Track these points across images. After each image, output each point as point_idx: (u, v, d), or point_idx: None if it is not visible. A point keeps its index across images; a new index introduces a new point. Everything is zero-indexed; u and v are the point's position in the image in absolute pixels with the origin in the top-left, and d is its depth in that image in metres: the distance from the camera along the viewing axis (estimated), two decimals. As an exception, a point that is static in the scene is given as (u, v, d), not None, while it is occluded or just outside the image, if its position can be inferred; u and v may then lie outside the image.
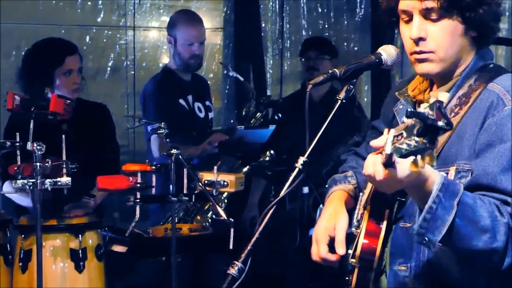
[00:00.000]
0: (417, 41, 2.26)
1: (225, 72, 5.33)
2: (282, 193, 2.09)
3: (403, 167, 1.86)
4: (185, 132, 4.90)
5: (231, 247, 3.88)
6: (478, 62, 2.32)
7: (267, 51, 7.35)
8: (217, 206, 3.84)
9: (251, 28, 7.07)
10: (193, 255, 4.59)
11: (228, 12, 7.20)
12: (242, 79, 5.46)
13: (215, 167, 4.02)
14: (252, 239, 2.10)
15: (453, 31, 2.25)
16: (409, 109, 1.80)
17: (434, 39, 2.25)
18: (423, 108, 1.79)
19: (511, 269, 2.10)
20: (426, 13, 2.24)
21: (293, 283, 5.34)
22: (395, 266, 2.30)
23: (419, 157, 1.73)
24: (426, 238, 2.01)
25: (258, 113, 5.23)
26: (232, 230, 3.80)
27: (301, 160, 2.19)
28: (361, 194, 2.52)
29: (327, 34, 7.46)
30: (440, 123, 1.75)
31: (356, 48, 7.61)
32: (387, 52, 2.32)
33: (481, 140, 2.16)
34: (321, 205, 4.67)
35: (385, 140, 1.83)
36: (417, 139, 1.74)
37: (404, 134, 1.79)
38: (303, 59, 5.72)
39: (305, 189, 5.04)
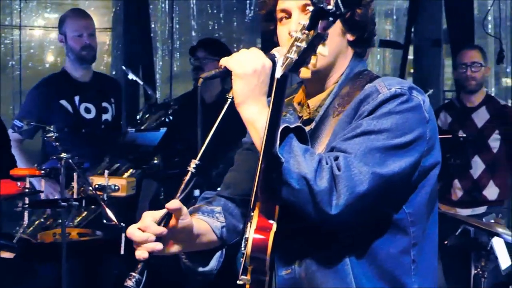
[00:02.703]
0: None
1: (128, 76, 5.26)
2: (177, 197, 2.06)
3: None
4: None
5: (122, 252, 3.84)
6: (353, 70, 2.32)
7: (157, 51, 7.31)
8: (108, 211, 3.79)
9: (141, 28, 6.99)
10: (84, 260, 4.51)
11: (118, 12, 7.11)
12: (141, 82, 5.41)
13: (106, 171, 3.96)
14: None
15: (332, 27, 2.26)
16: None
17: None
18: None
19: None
20: (304, 9, 2.23)
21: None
22: (282, 271, 2.25)
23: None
24: (274, 155, 1.98)
25: (151, 116, 5.19)
26: (123, 235, 3.76)
27: (194, 163, 2.12)
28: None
29: (217, 35, 7.49)
30: (330, 7, 1.76)
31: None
32: (281, 53, 2.20)
33: (352, 124, 2.14)
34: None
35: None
36: (307, 32, 1.78)
37: (292, 48, 1.83)
38: (192, 59, 5.71)
39: (196, 192, 5.02)
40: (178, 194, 2.06)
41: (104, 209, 3.80)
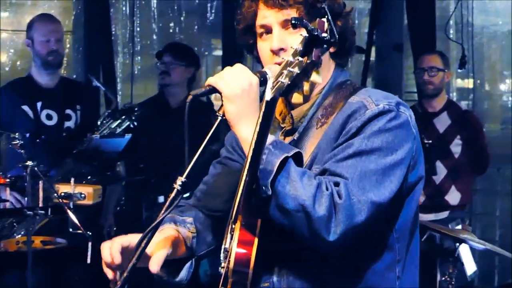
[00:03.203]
0: (278, 52, 2.23)
1: (93, 83, 5.19)
2: (160, 216, 2.02)
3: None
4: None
5: (89, 261, 3.79)
6: (336, 80, 2.32)
7: (118, 54, 7.24)
8: (75, 219, 3.75)
9: (102, 31, 6.92)
10: (49, 268, 4.44)
11: (78, 15, 7.03)
12: (104, 88, 5.35)
13: (72, 179, 3.91)
14: (128, 265, 2.01)
15: None
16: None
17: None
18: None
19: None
20: (285, 24, 2.23)
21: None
22: (261, 283, 2.25)
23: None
24: (263, 187, 1.99)
25: (112, 121, 5.13)
26: (90, 244, 3.72)
27: (180, 180, 2.08)
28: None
29: (178, 38, 7.44)
30: (325, 35, 1.77)
31: (206, 53, 7.65)
32: (273, 71, 2.16)
33: (339, 142, 2.14)
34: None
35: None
36: (300, 59, 1.76)
37: (284, 71, 1.80)
38: (158, 64, 5.67)
39: (161, 198, 4.99)
40: (163, 212, 2.02)
41: (71, 217, 3.75)
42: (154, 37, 7.33)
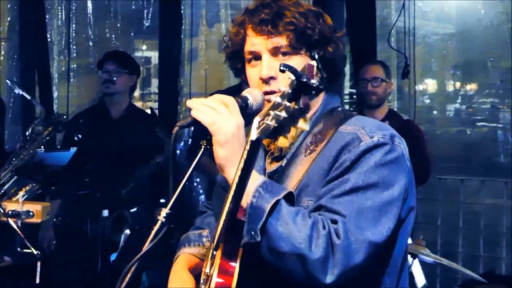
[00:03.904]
0: (268, 80, 2.19)
1: (15, 90, 5.00)
2: (145, 248, 1.94)
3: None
4: None
5: (37, 281, 3.67)
6: (327, 106, 2.29)
7: (54, 61, 7.07)
8: (24, 238, 3.62)
9: (37, 38, 6.74)
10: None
11: (13, 21, 6.82)
12: (29, 97, 5.18)
13: (20, 196, 3.77)
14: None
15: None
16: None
17: (285, 77, 2.19)
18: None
19: None
20: (275, 51, 2.19)
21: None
22: None
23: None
24: (252, 232, 1.95)
25: (42, 131, 4.98)
26: (39, 263, 3.60)
27: (164, 212, 1.99)
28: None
29: (113, 45, 7.32)
30: (313, 81, 1.70)
31: (143, 60, 7.56)
32: (254, 96, 2.17)
33: (333, 175, 2.10)
34: (126, 230, 4.54)
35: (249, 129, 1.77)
36: (288, 104, 1.69)
37: (271, 112, 1.74)
38: (100, 72, 5.55)
39: (105, 212, 4.86)
40: (147, 244, 1.94)
41: (20, 236, 3.62)
42: (90, 43, 7.17)
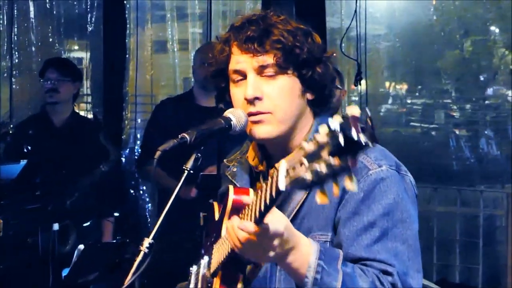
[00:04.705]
0: (253, 101, 2.10)
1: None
2: (127, 281, 1.84)
3: (278, 217, 1.77)
4: None
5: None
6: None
7: (-6, 69, 6.87)
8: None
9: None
10: None
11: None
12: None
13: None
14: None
15: (291, 90, 2.11)
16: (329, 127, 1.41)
17: (272, 98, 2.10)
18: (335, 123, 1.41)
19: None
20: (261, 71, 2.10)
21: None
22: None
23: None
24: None
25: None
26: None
27: (147, 242, 1.89)
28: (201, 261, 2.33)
29: (56, 50, 7.16)
30: (363, 138, 1.38)
31: (86, 67, 7.42)
32: (237, 117, 2.10)
33: (347, 208, 2.04)
34: (80, 246, 4.40)
35: (273, 177, 1.59)
36: (331, 160, 1.39)
37: (305, 162, 1.44)
38: (42, 80, 5.38)
39: (55, 226, 4.71)
40: (129, 277, 1.84)
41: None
42: (33, 49, 6.98)
